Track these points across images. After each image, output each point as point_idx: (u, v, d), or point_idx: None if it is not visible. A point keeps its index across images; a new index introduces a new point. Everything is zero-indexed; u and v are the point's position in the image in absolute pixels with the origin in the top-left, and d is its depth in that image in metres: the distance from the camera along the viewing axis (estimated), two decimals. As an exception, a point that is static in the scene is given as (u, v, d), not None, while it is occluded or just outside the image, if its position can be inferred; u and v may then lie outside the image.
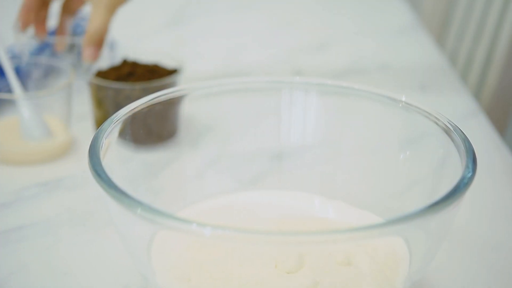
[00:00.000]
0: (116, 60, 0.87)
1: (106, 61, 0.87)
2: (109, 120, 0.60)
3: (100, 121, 0.83)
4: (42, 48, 0.97)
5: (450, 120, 0.59)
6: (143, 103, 0.63)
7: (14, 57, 0.91)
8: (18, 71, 0.90)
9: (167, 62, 0.87)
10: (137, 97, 0.65)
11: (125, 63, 0.85)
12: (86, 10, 1.12)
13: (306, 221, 0.63)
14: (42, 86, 0.90)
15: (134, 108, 0.62)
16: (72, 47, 0.99)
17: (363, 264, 0.55)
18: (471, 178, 0.52)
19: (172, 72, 0.85)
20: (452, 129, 0.58)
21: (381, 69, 1.08)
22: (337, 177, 0.69)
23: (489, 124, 0.90)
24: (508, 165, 0.81)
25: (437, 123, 0.60)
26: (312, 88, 0.69)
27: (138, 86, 0.80)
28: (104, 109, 0.82)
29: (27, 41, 0.95)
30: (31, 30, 0.93)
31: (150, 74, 0.83)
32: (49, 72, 0.91)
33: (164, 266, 0.56)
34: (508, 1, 1.22)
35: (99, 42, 0.83)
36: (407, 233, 0.56)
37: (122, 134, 0.61)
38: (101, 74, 0.83)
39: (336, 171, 0.70)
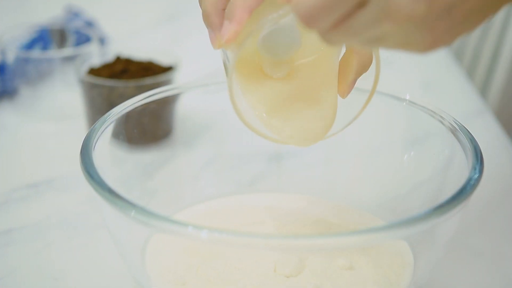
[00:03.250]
0: (109, 56, 0.88)
1: (98, 58, 0.87)
2: (102, 119, 0.60)
3: (92, 120, 0.83)
4: (33, 42, 0.97)
5: (455, 119, 0.60)
6: (137, 102, 0.63)
7: (2, 52, 0.91)
8: (5, 68, 0.90)
9: (162, 59, 0.87)
10: (131, 95, 0.65)
11: (118, 60, 0.85)
12: (78, 4, 1.12)
13: (306, 224, 0.63)
14: (34, 84, 0.90)
15: (128, 107, 0.62)
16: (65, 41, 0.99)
17: (365, 268, 0.56)
18: (477, 180, 0.52)
19: (167, 69, 0.85)
20: (458, 128, 0.58)
21: (383, 66, 1.08)
22: (338, 178, 0.69)
23: (497, 123, 0.90)
24: (516, 165, 0.81)
25: (442, 123, 0.60)
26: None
27: (132, 84, 0.80)
28: (96, 107, 0.82)
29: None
30: None
31: (144, 72, 0.83)
32: (42, 68, 0.91)
33: (158, 270, 0.56)
34: (516, -4, 1.22)
35: None
36: (411, 236, 0.56)
37: (116, 133, 0.61)
38: (94, 72, 0.83)
39: (337, 172, 0.70)
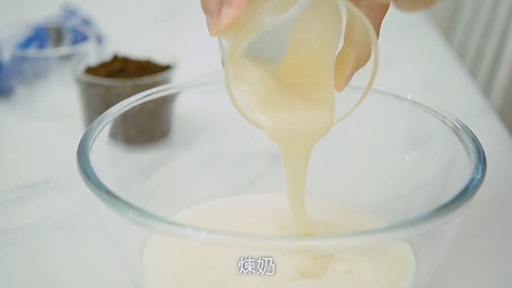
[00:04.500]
0: (106, 55, 0.88)
1: (95, 56, 0.87)
2: (99, 119, 0.60)
3: (89, 120, 0.83)
4: (29, 40, 0.97)
5: (458, 119, 0.60)
6: (134, 101, 0.63)
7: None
8: (1, 67, 0.90)
9: (160, 58, 0.87)
10: (129, 95, 0.65)
11: (115, 58, 0.85)
12: (74, 3, 1.12)
13: (306, 225, 0.63)
14: (30, 83, 0.90)
15: (125, 106, 0.62)
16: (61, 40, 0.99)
17: (366, 270, 0.56)
18: (480, 180, 0.52)
19: (165, 68, 0.85)
20: (460, 128, 0.59)
21: (385, 65, 1.08)
22: (339, 179, 0.69)
23: (500, 122, 0.90)
24: (519, 166, 0.81)
25: (444, 122, 0.60)
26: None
27: (130, 83, 0.80)
28: (93, 107, 0.82)
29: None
30: None
31: (142, 71, 0.83)
32: (38, 67, 0.91)
33: (156, 271, 0.56)
34: (519, -6, 1.22)
35: None
36: (412, 238, 0.56)
37: (113, 133, 0.61)
38: (91, 71, 0.83)
39: (338, 172, 0.70)
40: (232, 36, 0.51)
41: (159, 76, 0.82)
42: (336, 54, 0.54)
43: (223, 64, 0.52)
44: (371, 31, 0.50)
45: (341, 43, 0.54)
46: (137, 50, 0.88)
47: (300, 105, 0.54)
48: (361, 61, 0.53)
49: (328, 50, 0.54)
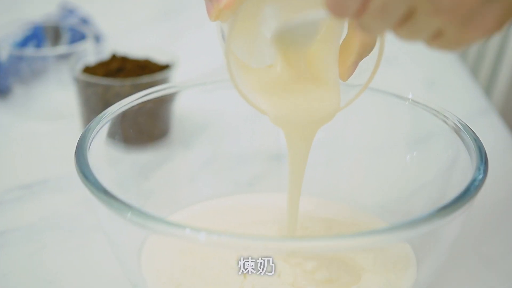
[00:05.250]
0: (104, 54, 0.88)
1: (93, 56, 0.87)
2: (97, 118, 0.60)
3: (87, 119, 0.83)
4: (27, 39, 0.97)
5: (459, 119, 0.60)
6: (133, 101, 0.63)
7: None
8: None
9: (158, 57, 0.87)
10: (127, 94, 0.65)
11: (114, 58, 0.85)
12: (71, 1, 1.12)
13: (306, 225, 0.63)
14: (28, 82, 0.90)
15: (124, 106, 0.62)
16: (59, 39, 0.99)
17: (366, 270, 0.56)
18: (482, 180, 0.52)
19: (164, 67, 0.85)
20: (462, 128, 0.59)
21: (386, 64, 1.08)
22: (340, 179, 0.69)
23: (501, 122, 0.90)
24: (521, 166, 0.81)
25: (446, 122, 0.60)
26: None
27: (128, 82, 0.80)
28: (92, 107, 0.82)
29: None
30: None
31: (141, 70, 0.83)
32: (36, 66, 0.91)
33: (154, 271, 0.56)
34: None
35: None
36: (413, 239, 0.56)
37: (111, 133, 0.61)
38: (89, 70, 0.83)
39: (339, 172, 0.70)
40: (232, 19, 0.51)
41: (157, 76, 0.82)
42: (341, 42, 0.54)
43: (224, 52, 0.52)
44: None
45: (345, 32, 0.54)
46: (135, 49, 0.88)
47: (304, 92, 0.54)
48: (366, 49, 0.52)
49: (331, 37, 0.54)
